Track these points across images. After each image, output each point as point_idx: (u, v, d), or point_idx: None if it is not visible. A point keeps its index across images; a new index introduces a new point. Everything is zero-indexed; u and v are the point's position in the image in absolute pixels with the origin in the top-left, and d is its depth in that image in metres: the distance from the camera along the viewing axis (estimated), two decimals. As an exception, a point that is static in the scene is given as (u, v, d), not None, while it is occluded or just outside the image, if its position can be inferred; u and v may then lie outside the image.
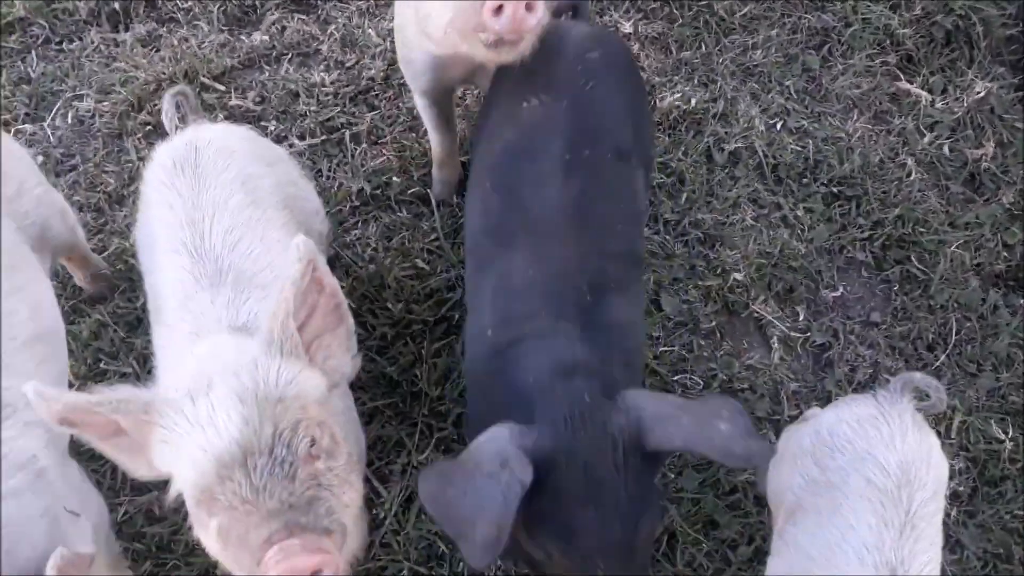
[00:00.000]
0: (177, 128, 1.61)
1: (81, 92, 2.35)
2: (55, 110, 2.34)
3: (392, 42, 2.41)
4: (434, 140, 2.06)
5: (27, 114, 2.33)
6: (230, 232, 1.40)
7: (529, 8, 1.28)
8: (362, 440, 1.46)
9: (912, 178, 2.30)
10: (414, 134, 2.26)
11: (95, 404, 1.07)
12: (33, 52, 2.47)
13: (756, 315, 2.07)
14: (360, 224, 2.11)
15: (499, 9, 1.28)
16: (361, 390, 1.85)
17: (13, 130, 2.27)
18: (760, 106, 2.36)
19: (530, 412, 1.24)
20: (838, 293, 2.14)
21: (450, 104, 1.97)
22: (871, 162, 2.32)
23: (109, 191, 2.18)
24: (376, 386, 1.88)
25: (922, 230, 2.21)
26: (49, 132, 2.29)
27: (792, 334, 2.05)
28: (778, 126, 2.35)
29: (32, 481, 1.22)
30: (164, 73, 2.30)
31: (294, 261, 1.10)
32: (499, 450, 1.17)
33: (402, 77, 2.29)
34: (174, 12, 2.48)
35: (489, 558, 1.15)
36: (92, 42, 2.43)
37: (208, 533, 1.06)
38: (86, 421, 1.09)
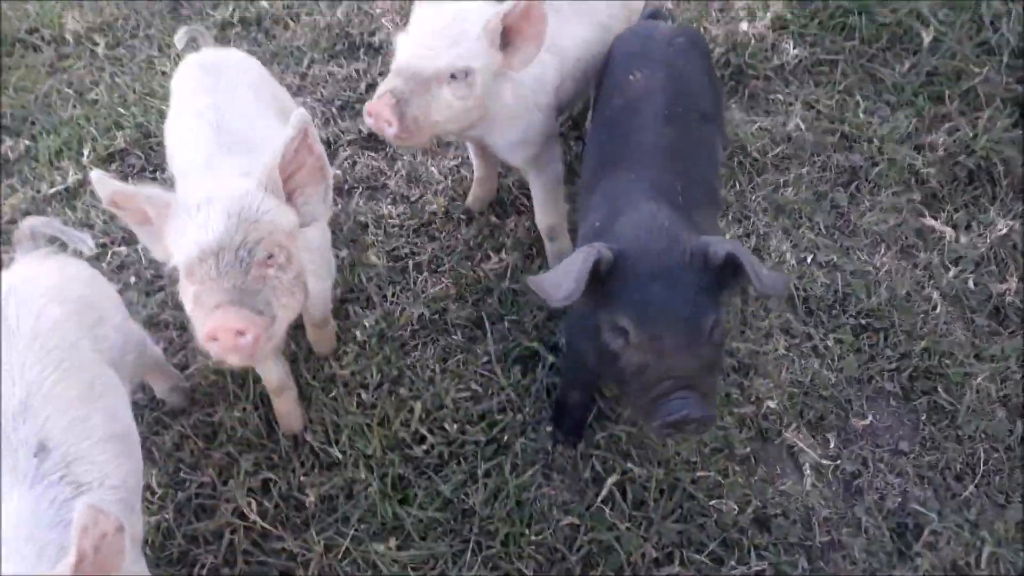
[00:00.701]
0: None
1: (171, 218, 2.61)
2: (148, 235, 2.60)
3: (452, 179, 2.66)
4: (474, 163, 2.51)
5: (123, 238, 2.60)
6: (243, 116, 1.92)
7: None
8: (332, 265, 2.02)
9: (938, 311, 2.43)
10: (469, 263, 2.47)
11: (134, 192, 1.53)
12: (130, 180, 2.74)
13: (788, 442, 2.18)
14: (420, 347, 2.30)
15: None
16: (419, 508, 2.00)
17: (111, 252, 2.53)
18: (791, 241, 2.53)
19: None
20: (867, 422, 2.24)
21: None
22: (898, 295, 2.45)
23: (194, 311, 2.41)
24: (430, 503, 2.03)
25: (948, 362, 2.32)
26: (142, 255, 2.55)
27: (823, 461, 2.16)
28: (808, 260, 2.50)
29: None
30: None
31: (289, 127, 1.53)
32: (585, 248, 1.51)
33: (461, 211, 2.53)
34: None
35: (566, 299, 1.45)
36: (182, 173, 2.71)
37: (187, 297, 1.50)
38: (126, 206, 1.56)
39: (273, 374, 2.04)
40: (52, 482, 1.38)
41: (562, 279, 1.48)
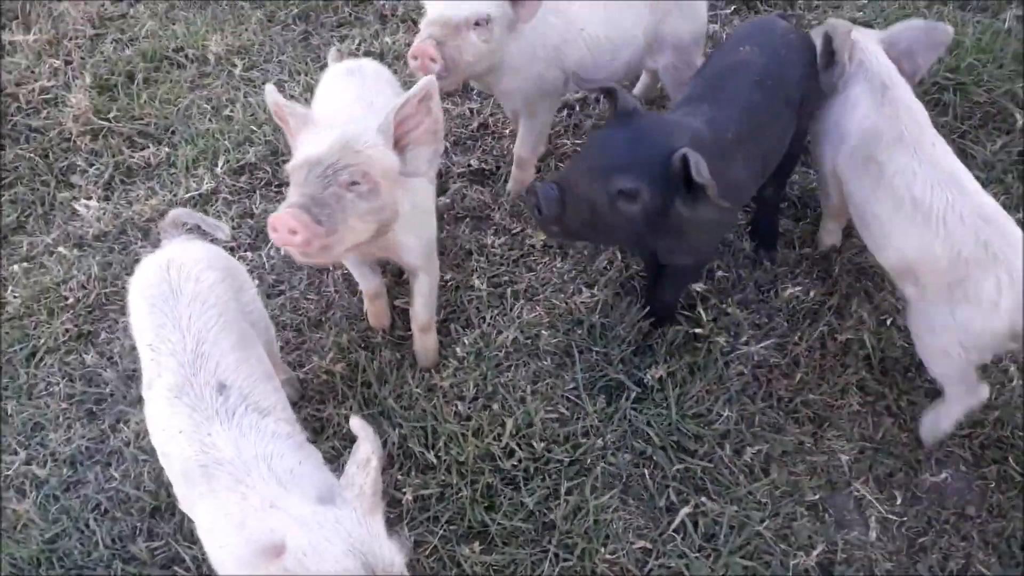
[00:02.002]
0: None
1: (293, 230, 2.86)
2: (271, 243, 2.84)
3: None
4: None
5: (249, 244, 2.85)
6: (379, 100, 2.24)
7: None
8: (429, 229, 2.27)
9: (1013, 384, 2.49)
10: (563, 295, 2.64)
11: (286, 104, 1.88)
12: (257, 192, 3.02)
13: (857, 494, 2.27)
14: (513, 368, 2.47)
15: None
16: (504, 516, 2.16)
17: (238, 256, 2.77)
18: (872, 303, 2.63)
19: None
20: (936, 482, 2.32)
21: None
22: (974, 365, 2.53)
23: (309, 316, 2.63)
24: (514, 513, 2.18)
25: (1021, 434, 2.39)
26: (265, 260, 2.79)
27: (889, 516, 2.24)
28: (888, 322, 2.60)
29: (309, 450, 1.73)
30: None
31: (416, 88, 1.83)
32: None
33: (559, 245, 2.71)
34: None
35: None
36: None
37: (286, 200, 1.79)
38: (283, 117, 1.91)
39: (370, 283, 2.46)
40: (242, 413, 1.64)
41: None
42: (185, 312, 1.78)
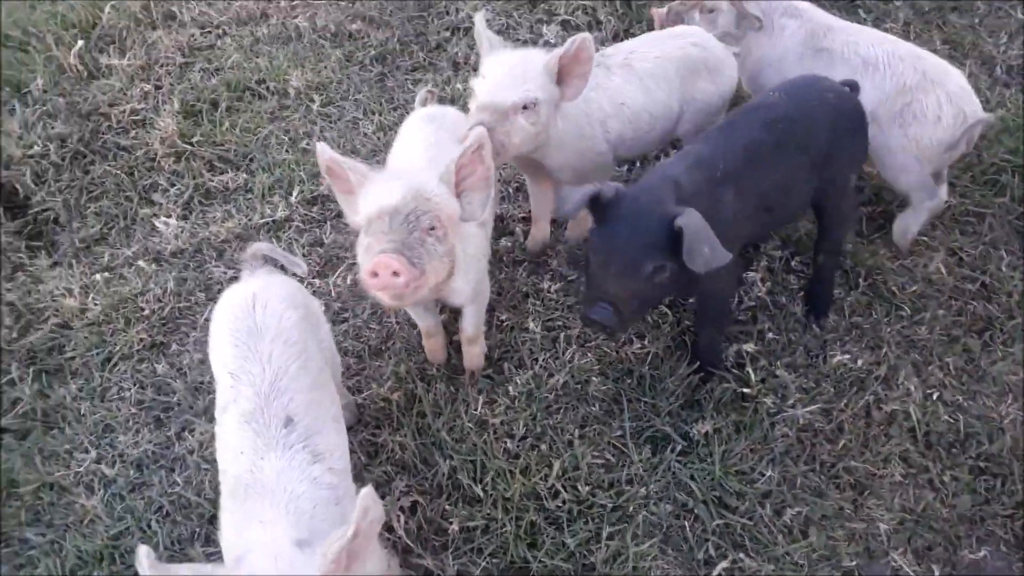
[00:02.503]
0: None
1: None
2: (338, 272, 2.98)
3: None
4: (532, 202, 2.98)
5: (318, 271, 2.98)
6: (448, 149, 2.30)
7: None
8: (480, 274, 2.39)
9: (1058, 468, 2.51)
10: (614, 343, 2.72)
11: (343, 161, 1.97)
12: (328, 223, 3.16)
13: (894, 564, 2.30)
14: (562, 410, 2.54)
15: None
16: (546, 555, 2.22)
17: (306, 283, 2.91)
18: (920, 377, 2.67)
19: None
20: (975, 559, 2.34)
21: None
22: (1020, 446, 2.55)
23: (370, 344, 2.75)
24: (556, 552, 2.24)
25: (1065, 519, 2.40)
26: (332, 288, 2.92)
27: (926, 589, 2.27)
28: (934, 396, 2.63)
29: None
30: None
31: (469, 139, 2.01)
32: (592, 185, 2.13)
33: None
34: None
35: (566, 214, 2.23)
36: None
37: (361, 248, 1.94)
38: (337, 174, 2.01)
39: (428, 321, 2.58)
40: (297, 449, 1.73)
41: (570, 199, 2.12)
42: (267, 349, 1.89)
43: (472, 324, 2.53)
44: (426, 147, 2.42)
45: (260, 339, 1.90)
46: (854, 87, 2.61)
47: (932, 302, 2.87)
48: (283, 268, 2.26)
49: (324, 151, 2.00)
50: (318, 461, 1.74)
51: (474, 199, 2.09)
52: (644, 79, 2.70)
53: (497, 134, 2.29)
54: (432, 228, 1.93)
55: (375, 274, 1.84)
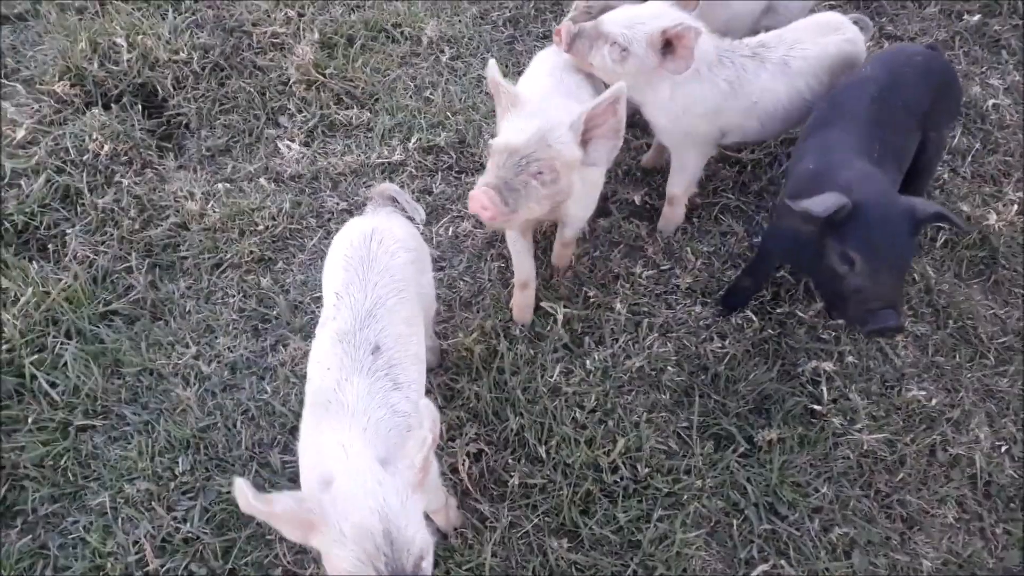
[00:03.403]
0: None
1: (463, 214, 3.12)
2: (441, 222, 3.11)
3: (703, 262, 3.00)
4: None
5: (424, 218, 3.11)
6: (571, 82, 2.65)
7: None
8: (594, 204, 2.64)
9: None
10: (695, 338, 2.79)
11: (504, 84, 2.32)
12: (439, 173, 3.28)
13: (932, 601, 2.35)
14: (634, 392, 2.63)
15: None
16: (597, 524, 2.33)
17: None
18: (992, 427, 2.68)
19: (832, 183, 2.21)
20: (1013, 614, 2.37)
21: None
22: (1080, 514, 2.55)
23: (462, 296, 2.88)
24: (606, 523, 2.35)
25: (1111, 591, 2.40)
26: (434, 236, 3.05)
27: (958, 632, 2.31)
28: (1003, 448, 2.64)
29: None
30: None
31: (608, 91, 2.20)
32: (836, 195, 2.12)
33: (699, 287, 2.86)
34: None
35: (819, 214, 2.08)
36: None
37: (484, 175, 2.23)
38: (497, 91, 2.35)
39: (524, 268, 2.69)
40: (379, 376, 1.87)
41: (817, 206, 2.10)
42: (373, 278, 2.03)
43: (572, 233, 2.77)
44: (555, 75, 2.65)
45: (369, 269, 2.04)
46: (935, 48, 2.76)
47: (1018, 356, 2.86)
48: (404, 211, 2.39)
49: (493, 68, 2.32)
50: (398, 389, 1.88)
51: (601, 146, 2.28)
52: (795, 79, 2.73)
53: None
54: (539, 173, 2.18)
55: (472, 200, 2.17)
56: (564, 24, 2.60)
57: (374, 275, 2.04)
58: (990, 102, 3.59)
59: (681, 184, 2.95)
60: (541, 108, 2.28)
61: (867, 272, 2.14)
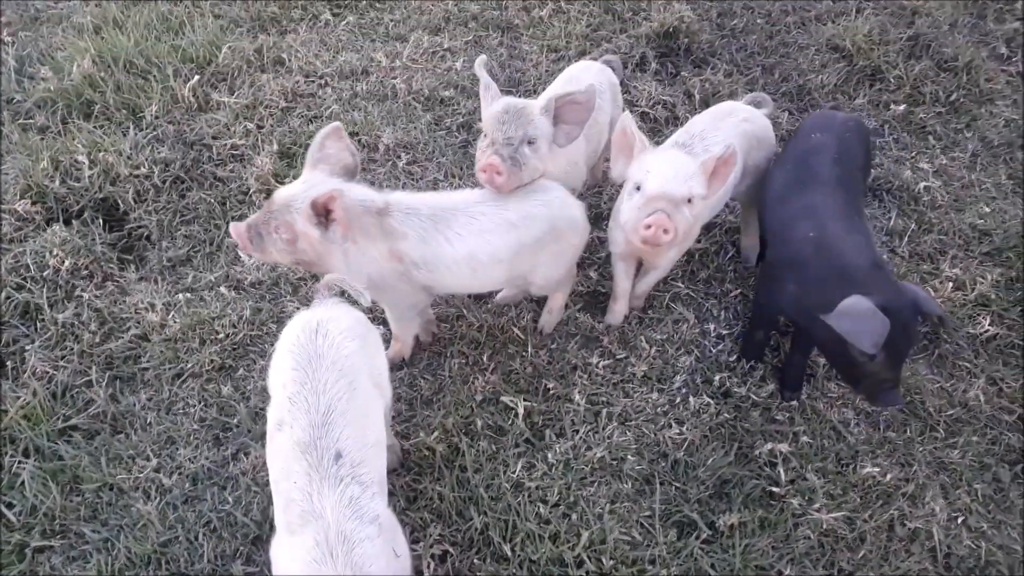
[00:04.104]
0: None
1: (422, 314, 3.17)
2: (401, 322, 3.16)
3: (656, 350, 3.07)
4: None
5: (383, 319, 3.17)
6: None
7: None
8: (578, 183, 3.11)
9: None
10: (654, 426, 2.84)
11: (485, 78, 2.81)
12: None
13: None
14: (596, 484, 2.66)
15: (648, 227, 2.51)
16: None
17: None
18: (947, 499, 2.73)
19: (851, 283, 2.44)
20: None
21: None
22: (1040, 582, 2.59)
23: (423, 394, 2.90)
24: (573, 618, 2.35)
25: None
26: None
27: None
28: (959, 520, 2.69)
29: (378, 530, 1.89)
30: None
31: (579, 94, 2.69)
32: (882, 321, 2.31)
33: (654, 374, 2.91)
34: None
35: (871, 351, 2.30)
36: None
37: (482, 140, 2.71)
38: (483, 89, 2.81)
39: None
40: (347, 481, 1.90)
41: (865, 340, 2.30)
42: (323, 376, 2.07)
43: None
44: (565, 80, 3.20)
45: (318, 367, 2.08)
46: (838, 108, 3.29)
47: (967, 428, 2.94)
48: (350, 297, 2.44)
49: (481, 64, 2.86)
50: (367, 490, 1.92)
51: (567, 130, 2.71)
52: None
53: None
54: (530, 143, 2.65)
55: (483, 170, 2.64)
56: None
57: (323, 372, 2.07)
58: (921, 184, 3.79)
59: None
60: (511, 100, 2.70)
61: (885, 363, 2.41)
